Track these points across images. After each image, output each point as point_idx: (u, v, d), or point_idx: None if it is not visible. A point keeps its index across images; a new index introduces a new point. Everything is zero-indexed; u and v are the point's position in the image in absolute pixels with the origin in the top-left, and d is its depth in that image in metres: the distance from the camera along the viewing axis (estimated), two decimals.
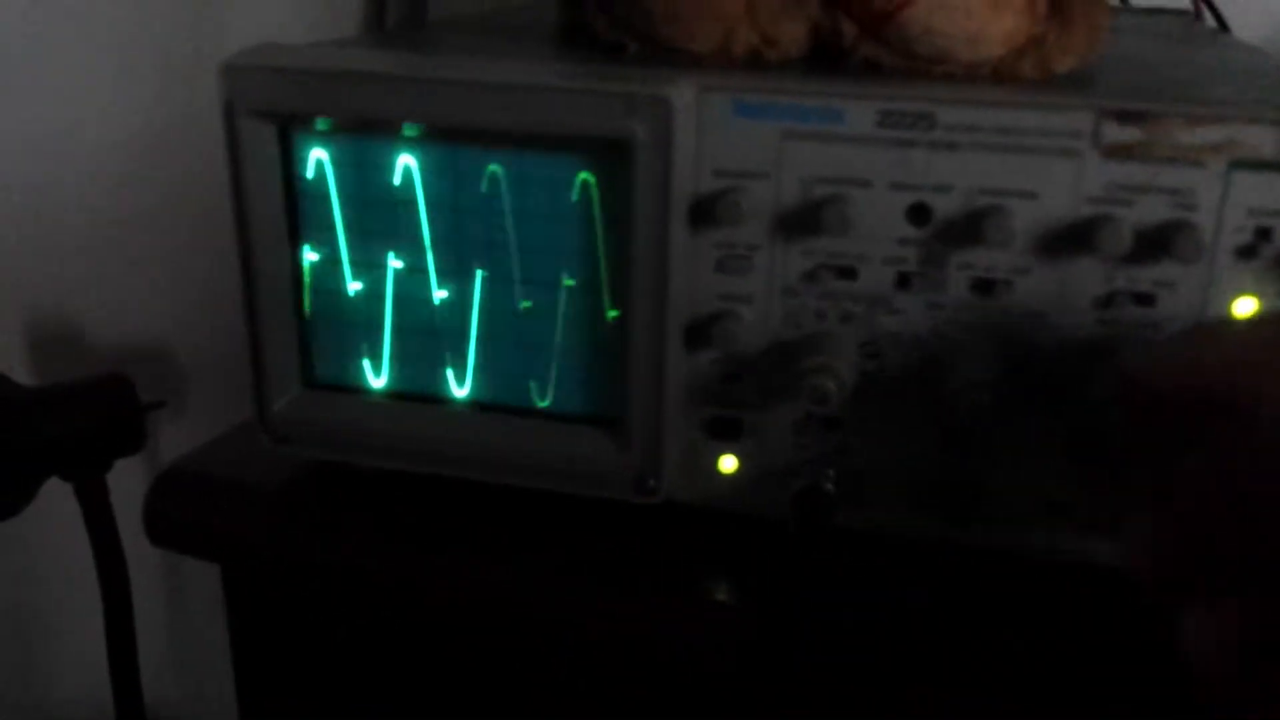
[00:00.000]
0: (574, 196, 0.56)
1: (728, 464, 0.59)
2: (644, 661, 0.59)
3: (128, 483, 0.83)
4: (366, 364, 0.62)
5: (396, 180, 0.58)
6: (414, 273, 0.59)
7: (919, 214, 0.53)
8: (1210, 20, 0.82)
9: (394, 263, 0.59)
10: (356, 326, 0.61)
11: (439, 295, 0.59)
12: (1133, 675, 0.52)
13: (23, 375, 0.90)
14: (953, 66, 0.55)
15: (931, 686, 0.53)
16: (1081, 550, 0.55)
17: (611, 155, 0.54)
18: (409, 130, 0.57)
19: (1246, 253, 0.50)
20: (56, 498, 0.85)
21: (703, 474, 0.59)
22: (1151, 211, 0.50)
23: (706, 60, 0.58)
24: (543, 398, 0.60)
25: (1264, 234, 0.50)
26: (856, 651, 0.54)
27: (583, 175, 0.56)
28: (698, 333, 0.56)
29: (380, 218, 0.59)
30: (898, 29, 0.55)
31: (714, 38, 0.58)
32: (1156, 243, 0.50)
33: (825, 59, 0.58)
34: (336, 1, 0.99)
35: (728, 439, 0.58)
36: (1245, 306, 0.51)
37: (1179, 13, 0.87)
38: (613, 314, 0.57)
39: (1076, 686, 0.52)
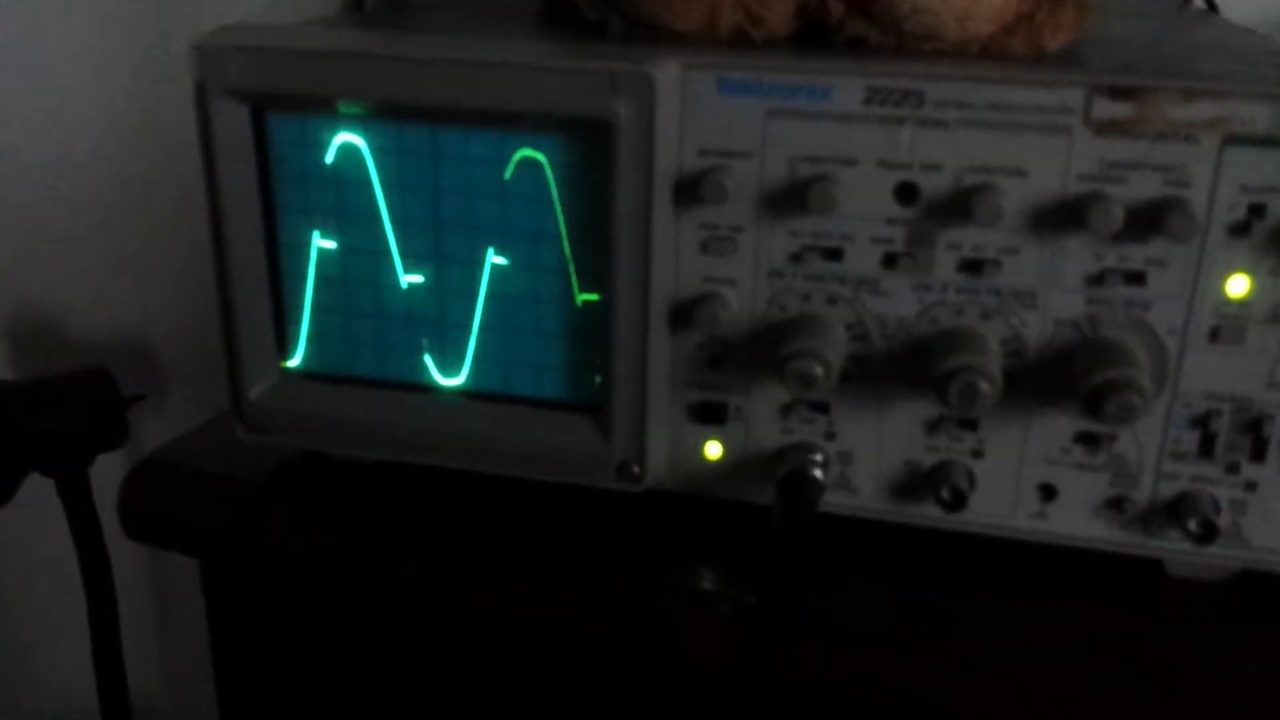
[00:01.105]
0: (554, 176, 0.55)
1: (713, 450, 0.58)
2: (628, 652, 0.58)
3: (111, 478, 0.82)
4: (344, 350, 0.61)
5: (370, 161, 0.57)
6: (387, 256, 0.58)
7: (906, 193, 0.52)
8: (1200, 1, 0.81)
9: (368, 246, 0.58)
10: (334, 312, 0.60)
11: (414, 280, 0.58)
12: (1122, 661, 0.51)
13: (1, 369, 0.89)
14: (942, 44, 0.54)
15: (917, 674, 0.52)
16: (1072, 534, 0.55)
17: (594, 134, 0.53)
18: (383, 110, 0.56)
19: (1239, 230, 0.49)
20: (38, 494, 0.84)
21: (688, 460, 0.58)
22: (1143, 188, 0.49)
23: (691, 39, 0.57)
24: (525, 384, 0.59)
25: (1257, 211, 0.48)
26: (844, 641, 0.54)
27: (565, 155, 0.54)
28: (681, 316, 0.55)
29: (353, 199, 0.57)
30: (886, 6, 0.54)
31: (699, 16, 0.56)
32: (1148, 220, 0.49)
33: (812, 37, 0.57)
34: None
35: (713, 424, 0.57)
36: (1238, 285, 0.50)
37: None
38: (591, 298, 0.56)
39: (1064, 676, 0.51)
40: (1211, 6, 0.79)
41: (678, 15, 0.57)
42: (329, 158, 0.57)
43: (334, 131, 0.57)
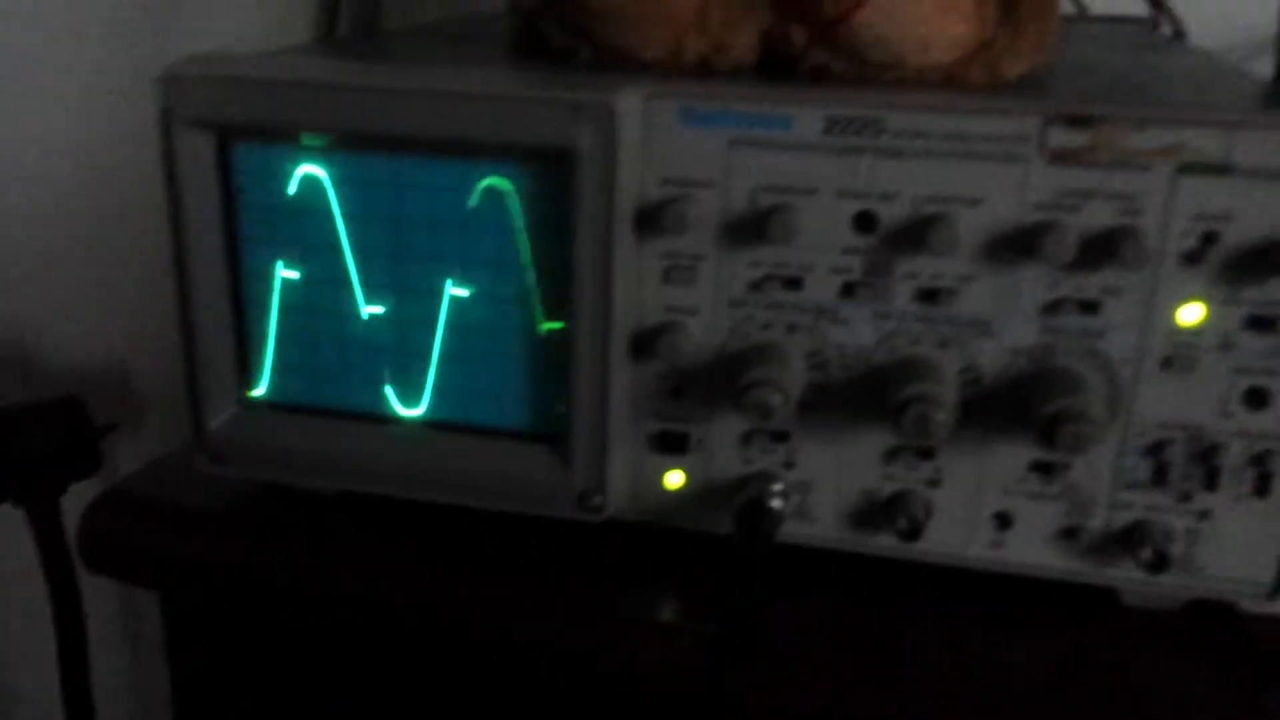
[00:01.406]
0: (519, 206, 0.55)
1: (674, 479, 0.58)
2: (589, 681, 0.58)
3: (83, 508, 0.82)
4: (307, 381, 0.60)
5: (332, 193, 0.57)
6: (348, 287, 0.58)
7: (865, 222, 0.52)
8: (1167, 28, 0.81)
9: (330, 277, 0.58)
10: (297, 342, 0.60)
11: (374, 310, 0.58)
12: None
13: None
14: (904, 72, 0.55)
15: (875, 700, 0.52)
16: (1027, 563, 0.55)
17: (557, 163, 0.53)
18: (346, 141, 0.56)
19: (1193, 258, 0.49)
20: (7, 523, 0.84)
21: (649, 490, 0.58)
22: (1097, 217, 0.49)
23: (657, 68, 0.57)
24: (485, 414, 0.59)
25: (1210, 238, 0.49)
26: (801, 669, 0.54)
27: (529, 184, 0.55)
28: (643, 345, 0.55)
29: (314, 230, 0.58)
30: (848, 35, 0.54)
31: (664, 45, 0.57)
32: (1102, 249, 0.49)
33: (776, 67, 0.57)
34: (293, 10, 0.98)
35: (674, 453, 0.57)
36: (1190, 313, 0.50)
37: (1137, 20, 0.86)
38: (554, 326, 0.56)
39: (1023, 702, 0.51)
40: (1178, 33, 0.80)
41: (643, 44, 0.57)
42: (291, 189, 0.57)
43: (296, 163, 0.57)
